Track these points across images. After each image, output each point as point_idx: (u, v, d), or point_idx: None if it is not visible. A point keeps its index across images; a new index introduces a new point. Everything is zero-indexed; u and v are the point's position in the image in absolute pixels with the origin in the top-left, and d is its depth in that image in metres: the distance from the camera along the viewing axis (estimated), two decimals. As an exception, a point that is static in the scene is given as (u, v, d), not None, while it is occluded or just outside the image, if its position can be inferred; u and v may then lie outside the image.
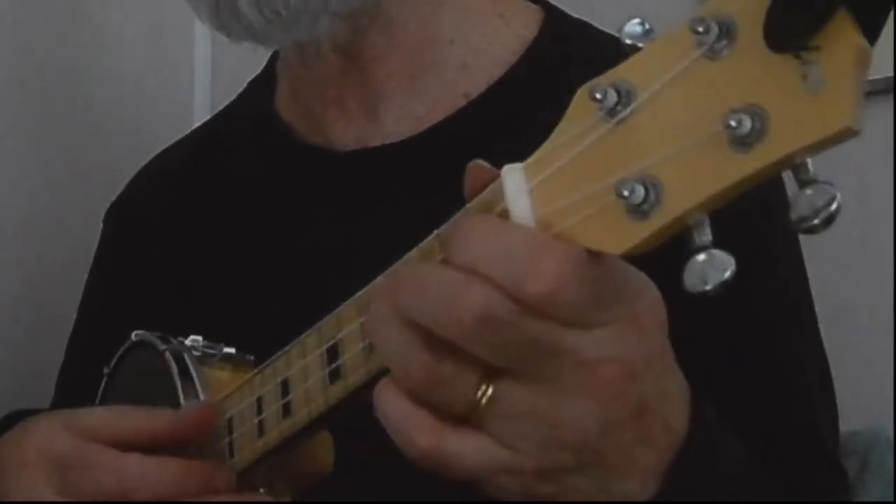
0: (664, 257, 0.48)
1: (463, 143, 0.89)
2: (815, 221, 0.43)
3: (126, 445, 0.76)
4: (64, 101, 1.34)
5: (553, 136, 0.50)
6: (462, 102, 0.92)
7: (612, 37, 0.95)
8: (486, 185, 0.54)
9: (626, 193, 0.45)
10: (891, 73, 1.32)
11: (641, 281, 0.53)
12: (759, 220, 0.83)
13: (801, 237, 0.89)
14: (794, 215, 0.43)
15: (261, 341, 0.86)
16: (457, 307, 0.50)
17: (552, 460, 0.53)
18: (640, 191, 0.45)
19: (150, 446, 0.76)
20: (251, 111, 1.04)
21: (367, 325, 0.57)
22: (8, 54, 1.28)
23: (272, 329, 0.89)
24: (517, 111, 0.91)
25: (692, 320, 0.76)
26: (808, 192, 0.42)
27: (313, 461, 0.77)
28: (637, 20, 0.48)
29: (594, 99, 0.47)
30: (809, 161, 0.43)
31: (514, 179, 0.50)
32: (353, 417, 0.67)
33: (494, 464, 0.54)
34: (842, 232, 1.45)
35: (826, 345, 0.89)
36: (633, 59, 0.47)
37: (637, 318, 0.52)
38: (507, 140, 0.92)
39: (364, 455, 0.77)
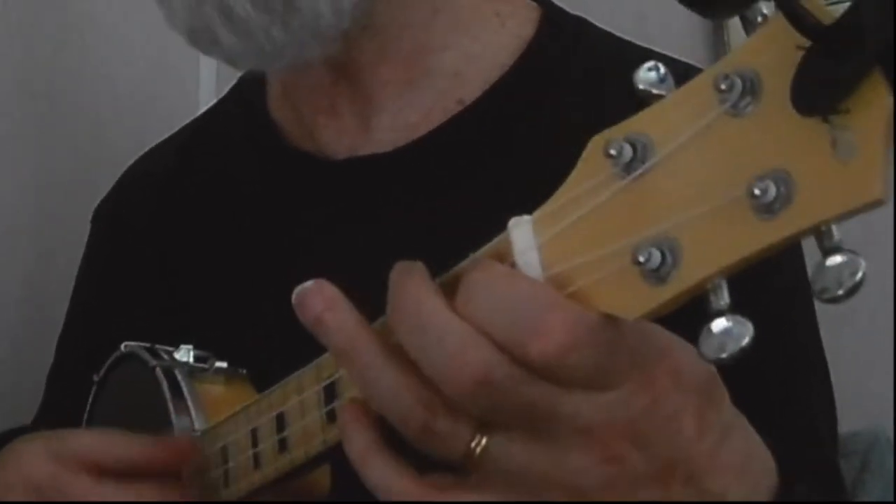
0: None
1: (457, 150, 0.87)
2: (840, 293, 0.40)
3: (106, 471, 0.75)
4: (69, 103, 1.32)
5: (564, 187, 0.47)
6: (456, 109, 0.88)
7: (611, 35, 0.93)
8: None
9: (642, 259, 0.42)
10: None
11: (668, 342, 0.50)
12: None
13: (805, 243, 0.87)
14: (816, 286, 0.40)
15: (248, 347, 0.85)
16: (456, 366, 0.48)
17: None
18: (658, 256, 0.42)
19: (131, 473, 0.75)
20: (242, 110, 1.00)
21: (353, 367, 0.53)
22: (13, 57, 1.26)
23: (259, 335, 0.88)
24: (513, 116, 0.87)
25: (691, 321, 0.74)
26: (833, 262, 0.40)
27: (311, 485, 0.75)
28: (650, 65, 0.45)
29: (608, 155, 0.44)
30: (834, 227, 0.40)
31: (522, 233, 0.48)
32: None
33: None
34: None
35: (827, 347, 0.87)
36: (651, 111, 0.44)
37: (653, 380, 0.49)
38: (501, 146, 0.90)
39: (361, 481, 0.76)
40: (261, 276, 0.92)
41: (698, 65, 0.98)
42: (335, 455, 0.64)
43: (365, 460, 0.54)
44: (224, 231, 0.96)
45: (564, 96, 0.87)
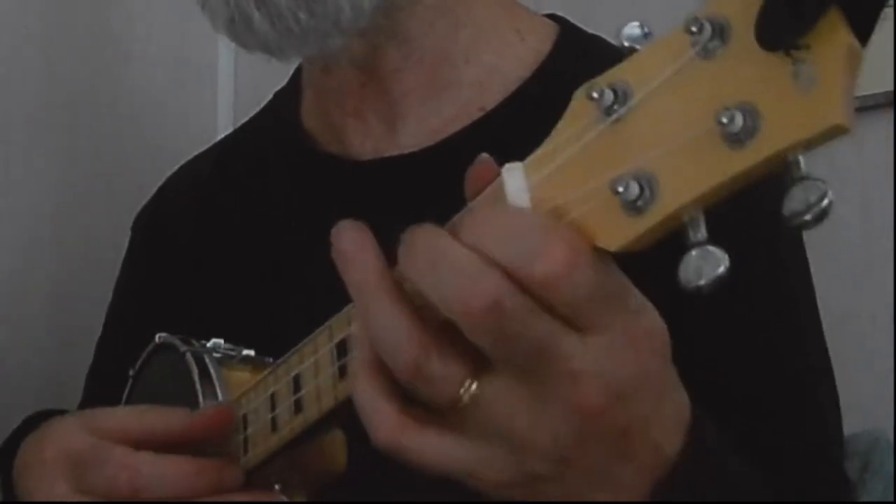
0: (669, 264, 0.47)
1: (478, 152, 0.89)
2: (807, 217, 0.41)
3: (141, 444, 0.76)
4: (90, 114, 1.35)
5: (552, 135, 0.49)
6: (478, 115, 0.91)
7: (623, 51, 0.95)
8: (484, 175, 0.53)
9: (620, 190, 0.44)
10: (891, 87, 1.31)
11: (643, 301, 0.51)
12: (767, 227, 0.82)
13: (807, 246, 0.89)
14: (785, 211, 0.42)
15: (280, 345, 0.86)
16: (468, 293, 0.48)
17: (522, 467, 0.52)
18: (635, 187, 0.44)
19: (165, 445, 0.76)
20: (275, 121, 1.04)
21: (357, 294, 0.54)
22: (36, 70, 1.29)
23: (291, 334, 0.89)
24: (531, 123, 0.89)
25: (697, 323, 0.75)
26: (800, 187, 0.41)
27: (326, 459, 0.76)
28: (636, 23, 0.47)
29: (591, 98, 0.46)
30: (802, 158, 0.42)
31: (514, 178, 0.50)
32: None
33: (457, 464, 0.52)
34: (844, 240, 1.44)
35: (829, 349, 0.88)
36: (630, 60, 0.47)
37: (634, 336, 0.50)
38: (521, 151, 0.92)
39: (376, 453, 0.77)
40: (291, 275, 0.94)
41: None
42: (345, 412, 0.64)
43: (358, 375, 0.54)
44: (256, 234, 0.98)
45: None
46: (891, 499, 1.18)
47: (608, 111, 0.46)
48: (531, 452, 0.51)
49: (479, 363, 0.51)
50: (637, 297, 0.51)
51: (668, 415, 0.54)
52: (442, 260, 0.50)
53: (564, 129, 0.48)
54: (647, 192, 0.44)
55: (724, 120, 0.41)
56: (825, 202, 0.41)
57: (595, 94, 0.46)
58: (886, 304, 1.36)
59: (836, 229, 1.34)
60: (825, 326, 0.88)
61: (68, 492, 0.76)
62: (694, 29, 0.43)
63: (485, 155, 0.55)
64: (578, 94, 0.48)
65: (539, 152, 0.50)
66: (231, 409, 0.77)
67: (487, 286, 0.48)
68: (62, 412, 0.94)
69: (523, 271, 0.47)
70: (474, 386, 0.50)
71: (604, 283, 0.48)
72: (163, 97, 1.42)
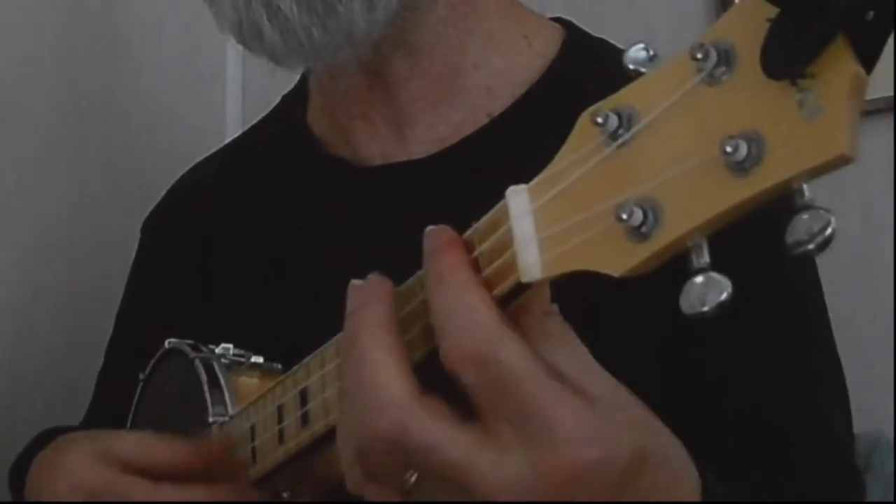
0: (671, 281, 0.46)
1: (486, 158, 0.88)
2: (811, 246, 0.41)
3: (155, 474, 0.76)
4: (101, 119, 1.34)
5: (556, 158, 0.48)
6: (485, 121, 0.90)
7: None
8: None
9: (624, 217, 0.43)
10: (891, 93, 1.31)
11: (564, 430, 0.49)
12: (775, 235, 0.81)
13: None
14: (789, 239, 0.41)
15: (288, 348, 0.86)
16: (374, 423, 0.51)
17: None
18: (639, 214, 0.43)
19: (175, 475, 0.76)
20: (283, 125, 1.03)
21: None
22: (48, 76, 1.28)
23: (299, 337, 0.89)
24: (538, 127, 0.89)
25: (707, 341, 0.74)
26: (804, 216, 0.40)
27: (334, 468, 0.74)
28: (641, 45, 0.46)
29: (596, 123, 0.45)
30: (806, 187, 0.41)
31: (518, 201, 0.49)
32: None
33: None
34: (845, 244, 1.43)
35: None
36: (635, 85, 0.46)
37: (557, 466, 0.48)
38: (528, 155, 0.91)
39: None
40: (298, 278, 0.94)
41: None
42: None
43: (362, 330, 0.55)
44: (265, 237, 0.97)
45: (585, 108, 0.89)
46: (891, 499, 1.18)
47: (613, 136, 0.45)
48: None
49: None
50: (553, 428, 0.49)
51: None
52: (366, 382, 0.53)
53: (569, 153, 0.48)
54: (650, 219, 0.43)
55: (729, 149, 0.40)
56: (829, 231, 0.40)
57: (600, 119, 0.45)
58: (886, 305, 1.35)
59: (836, 231, 1.33)
60: None
61: None
62: (699, 56, 0.42)
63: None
64: (583, 118, 0.47)
65: (543, 175, 0.49)
66: (226, 443, 0.78)
67: (386, 419, 0.51)
68: (70, 429, 0.95)
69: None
70: (413, 478, 0.52)
71: (497, 393, 0.49)
72: (172, 102, 1.42)
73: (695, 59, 0.42)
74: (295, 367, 0.71)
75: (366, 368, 0.52)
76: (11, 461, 0.96)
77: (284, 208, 0.97)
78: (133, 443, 0.79)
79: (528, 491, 0.48)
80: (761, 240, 0.74)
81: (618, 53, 0.94)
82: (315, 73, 0.99)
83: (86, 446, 0.79)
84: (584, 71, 0.91)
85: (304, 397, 0.69)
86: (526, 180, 0.88)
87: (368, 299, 0.56)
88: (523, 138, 0.88)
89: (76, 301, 1.28)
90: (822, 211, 0.40)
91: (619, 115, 0.45)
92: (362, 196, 0.92)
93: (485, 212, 0.85)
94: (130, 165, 1.35)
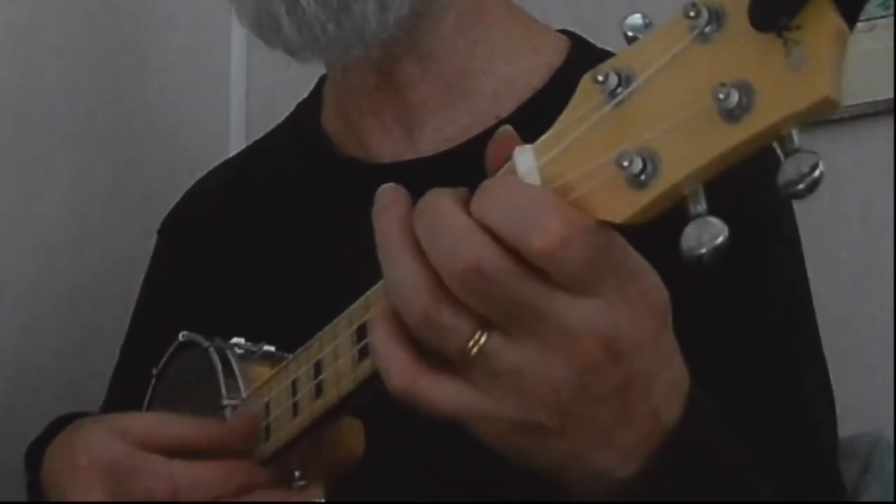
0: (672, 256, 0.49)
1: None
2: (800, 186, 0.44)
3: (171, 451, 0.78)
4: (106, 122, 1.37)
5: (560, 118, 0.53)
6: (493, 122, 0.95)
7: None
8: (503, 151, 0.56)
9: (625, 164, 0.47)
10: (891, 95, 1.34)
11: (642, 265, 0.54)
12: (765, 228, 0.85)
13: (808, 250, 0.91)
14: (780, 180, 0.45)
15: (301, 345, 0.89)
16: (453, 254, 0.52)
17: (527, 416, 0.54)
18: (639, 162, 0.47)
19: (193, 452, 0.79)
20: (297, 128, 1.08)
21: (381, 251, 0.57)
22: (54, 80, 1.31)
23: (312, 333, 0.92)
24: (543, 130, 0.94)
25: (695, 321, 0.78)
26: (793, 159, 0.44)
27: (345, 447, 0.79)
28: (639, 15, 0.51)
29: (597, 81, 0.50)
30: (795, 133, 0.45)
31: (525, 159, 0.53)
32: (381, 406, 0.67)
33: (466, 411, 0.55)
34: (846, 245, 1.46)
35: (829, 352, 0.90)
36: (633, 47, 0.50)
37: (629, 298, 0.52)
38: None
39: (393, 442, 0.79)
40: (312, 276, 0.98)
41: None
42: (362, 395, 0.68)
43: (376, 324, 0.56)
44: (278, 236, 1.02)
45: None
46: (891, 499, 1.20)
47: (612, 94, 0.49)
48: (534, 404, 0.53)
49: (486, 320, 0.53)
50: (635, 263, 0.53)
51: (666, 381, 0.56)
52: (438, 221, 0.53)
53: (572, 113, 0.52)
54: (649, 167, 0.47)
55: (721, 96, 0.44)
56: (817, 172, 0.44)
57: (601, 78, 0.49)
58: (886, 306, 1.37)
59: (836, 232, 1.37)
60: (825, 329, 0.90)
61: (104, 498, 0.78)
62: (692, 14, 0.46)
63: (507, 127, 0.57)
64: (585, 79, 0.52)
65: (548, 134, 0.53)
66: (253, 418, 0.80)
67: (470, 249, 0.51)
68: (85, 415, 0.96)
69: (521, 244, 0.50)
70: (483, 339, 0.53)
71: (598, 255, 0.51)
72: (177, 106, 1.45)
73: (688, 16, 0.46)
74: (307, 343, 0.74)
75: (436, 215, 0.54)
76: (18, 461, 0.99)
77: (298, 208, 1.02)
78: (152, 420, 0.83)
79: (608, 321, 0.52)
80: (750, 238, 0.78)
81: None
82: (329, 75, 1.04)
83: (105, 424, 0.82)
84: None
85: (318, 369, 0.72)
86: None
87: (395, 194, 0.58)
88: (529, 138, 0.93)
89: (81, 302, 1.31)
90: (810, 153, 0.45)
91: (618, 74, 0.49)
92: (373, 194, 0.97)
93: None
94: (135, 167, 1.38)
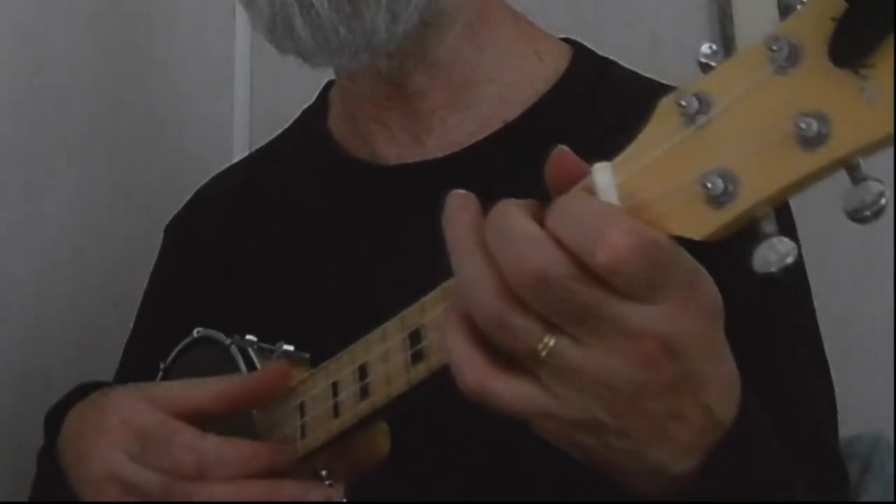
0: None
1: (500, 159, 0.98)
2: (867, 213, 0.50)
3: (204, 412, 0.82)
4: (110, 124, 1.38)
5: (638, 139, 0.57)
6: (499, 126, 1.00)
7: (633, 72, 1.04)
8: (570, 173, 0.60)
9: (708, 185, 0.52)
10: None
11: (697, 272, 0.58)
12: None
13: (808, 250, 0.96)
14: (848, 207, 0.50)
15: (309, 344, 0.90)
16: (521, 260, 0.56)
17: (589, 414, 0.58)
18: (720, 183, 0.52)
19: (227, 409, 0.82)
20: (304, 132, 1.11)
21: (453, 254, 0.60)
22: (58, 81, 1.32)
23: (323, 333, 0.94)
24: (548, 133, 0.97)
25: None
26: (862, 187, 0.50)
27: (370, 448, 0.82)
28: (707, 44, 0.56)
29: (679, 105, 0.54)
30: (861, 161, 0.50)
31: (603, 176, 0.57)
32: (408, 408, 0.73)
33: (535, 409, 0.58)
34: (845, 245, 1.50)
35: (830, 352, 0.94)
36: (712, 74, 0.54)
37: (686, 303, 0.57)
38: (539, 158, 1.00)
39: (418, 444, 0.83)
40: (320, 276, 1.01)
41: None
42: (413, 397, 0.71)
43: (449, 325, 0.60)
44: (286, 237, 1.05)
45: (591, 118, 0.99)
46: (891, 499, 1.24)
47: (692, 118, 0.54)
48: (597, 402, 0.57)
49: (553, 323, 0.57)
50: (692, 269, 0.58)
51: (719, 379, 0.60)
52: (507, 227, 0.57)
53: (650, 133, 0.56)
54: (729, 188, 0.52)
55: (803, 125, 0.49)
56: (883, 200, 0.49)
57: (683, 102, 0.54)
58: (886, 306, 1.42)
59: (836, 232, 1.42)
60: (826, 329, 0.94)
61: (126, 460, 0.81)
62: (774, 47, 0.51)
63: (562, 147, 0.62)
64: (664, 103, 0.56)
65: (626, 153, 0.57)
66: (285, 366, 0.83)
67: (537, 256, 0.55)
68: (107, 384, 0.99)
69: (586, 256, 0.55)
70: (553, 341, 0.57)
71: (660, 267, 0.55)
72: (181, 108, 1.46)
73: (770, 49, 0.51)
74: (348, 348, 0.77)
75: (506, 221, 0.57)
76: (24, 461, 1.01)
77: (305, 210, 1.05)
78: (179, 387, 0.85)
79: (667, 324, 0.56)
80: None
81: (623, 71, 1.05)
82: (337, 81, 1.08)
83: (134, 391, 0.85)
84: (591, 84, 1.02)
85: (363, 371, 0.75)
86: (537, 180, 0.97)
87: (466, 199, 0.62)
88: (535, 142, 0.97)
89: (85, 303, 1.32)
90: (877, 183, 0.50)
91: (698, 99, 0.54)
92: (381, 195, 1.01)
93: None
94: (139, 169, 1.39)
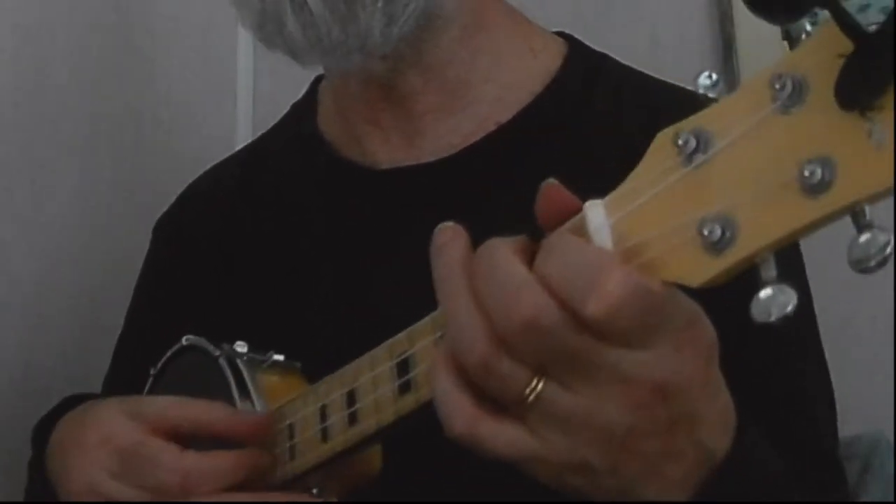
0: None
1: (494, 162, 0.95)
2: (872, 264, 0.46)
3: (184, 435, 0.80)
4: (114, 124, 1.37)
5: (632, 175, 0.53)
6: (493, 128, 0.97)
7: (629, 68, 1.01)
8: (561, 208, 0.57)
9: (706, 233, 0.49)
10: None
11: (692, 313, 0.56)
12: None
13: (808, 250, 0.93)
14: (851, 257, 0.46)
15: (304, 346, 0.90)
16: (511, 307, 0.53)
17: (578, 457, 0.56)
18: (718, 230, 0.48)
19: (206, 437, 0.80)
20: (293, 130, 1.08)
21: (440, 292, 0.57)
22: (62, 82, 1.31)
23: (312, 333, 0.93)
24: (543, 134, 0.95)
25: None
26: (866, 236, 0.46)
27: (362, 464, 0.81)
28: (706, 73, 0.52)
29: (676, 144, 0.51)
30: (867, 207, 0.46)
31: (596, 215, 0.54)
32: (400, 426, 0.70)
33: (524, 453, 0.56)
34: (845, 243, 1.48)
35: (829, 352, 0.92)
36: (712, 110, 0.51)
37: (681, 346, 0.55)
38: (533, 159, 0.98)
39: (410, 461, 0.81)
40: (313, 278, 0.98)
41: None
42: (405, 426, 0.69)
43: (437, 368, 0.57)
44: (278, 238, 1.02)
45: (587, 117, 0.96)
46: (891, 499, 1.22)
47: (690, 157, 0.50)
48: (587, 446, 0.55)
49: (542, 368, 0.55)
50: (687, 310, 0.55)
51: (713, 415, 0.58)
52: (496, 270, 0.54)
53: (645, 171, 0.53)
54: (728, 234, 0.48)
55: (806, 173, 0.46)
56: (888, 250, 0.46)
57: (680, 141, 0.50)
58: (886, 306, 1.39)
59: (836, 232, 1.39)
60: (826, 329, 0.92)
61: (107, 477, 0.80)
62: (777, 86, 0.47)
63: (552, 180, 0.59)
64: (661, 138, 0.52)
65: (620, 190, 0.54)
66: (272, 420, 0.81)
67: (527, 303, 0.53)
68: (95, 397, 0.97)
69: (576, 305, 0.52)
70: (540, 385, 0.54)
71: (653, 314, 0.53)
72: (184, 108, 1.45)
73: (773, 88, 0.47)
74: (338, 372, 0.75)
75: (494, 264, 0.55)
76: (27, 461, 0.99)
77: (299, 210, 1.02)
78: (164, 401, 0.84)
79: (660, 369, 0.54)
80: None
81: (619, 67, 1.02)
82: (327, 79, 1.05)
83: (117, 406, 0.83)
84: (586, 83, 0.98)
85: (352, 398, 0.73)
86: (530, 183, 0.94)
87: (454, 232, 0.59)
88: (529, 144, 0.95)
89: (89, 303, 1.31)
90: (882, 231, 0.46)
91: (697, 137, 0.50)
92: (375, 198, 0.98)
93: (491, 214, 0.91)
94: (142, 169, 1.38)
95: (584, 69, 0.99)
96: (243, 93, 1.48)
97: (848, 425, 0.94)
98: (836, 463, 0.89)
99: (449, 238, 0.58)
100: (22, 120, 1.26)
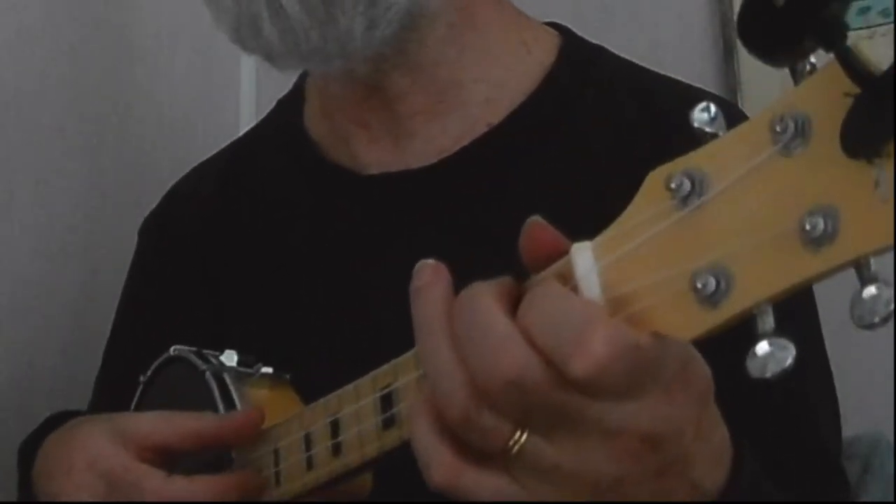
0: None
1: (485, 167, 0.91)
2: (876, 320, 0.42)
3: (172, 449, 0.78)
4: (116, 126, 1.36)
5: (623, 216, 0.50)
6: (484, 131, 0.92)
7: (626, 61, 0.97)
8: (547, 249, 0.53)
9: (699, 284, 0.45)
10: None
11: (684, 355, 0.53)
12: None
13: None
14: (854, 314, 0.42)
15: (292, 351, 0.89)
16: (493, 363, 0.50)
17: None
18: (713, 282, 0.45)
19: (196, 448, 0.78)
20: (279, 128, 1.04)
21: (419, 337, 0.54)
22: (65, 84, 1.29)
23: (300, 341, 0.91)
24: (535, 136, 0.91)
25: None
26: (869, 292, 0.42)
27: (353, 484, 0.77)
28: (702, 105, 0.48)
29: (668, 188, 0.47)
30: (871, 259, 0.43)
31: (583, 258, 0.50)
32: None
33: (512, 500, 0.54)
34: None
35: (830, 352, 0.90)
36: (708, 149, 0.47)
37: (673, 394, 0.52)
38: (524, 163, 0.94)
39: (401, 482, 0.78)
40: (298, 284, 0.95)
41: (707, 88, 1.02)
42: (391, 460, 0.66)
43: (416, 417, 0.55)
44: (265, 240, 0.99)
45: (581, 117, 0.92)
46: (891, 499, 1.20)
47: (685, 201, 0.47)
48: (574, 496, 0.53)
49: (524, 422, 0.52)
50: (682, 359, 0.52)
51: (709, 451, 0.56)
52: (478, 323, 0.51)
53: (636, 213, 0.49)
54: (722, 287, 0.45)
55: (808, 226, 0.42)
56: (892, 306, 0.42)
57: (673, 185, 0.46)
58: None
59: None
60: (826, 329, 0.90)
61: (93, 501, 0.78)
62: (778, 129, 0.43)
63: (537, 217, 0.55)
64: (653, 179, 0.49)
65: (609, 233, 0.50)
66: (260, 414, 0.79)
67: (510, 361, 0.49)
68: (78, 413, 0.95)
69: (560, 363, 0.49)
70: (523, 438, 0.52)
71: (641, 371, 0.50)
72: (187, 111, 1.43)
73: (773, 130, 0.43)
74: (324, 398, 0.72)
75: (476, 316, 0.51)
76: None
77: (284, 212, 0.99)
78: (150, 418, 0.81)
79: (649, 419, 0.51)
80: None
81: (616, 60, 0.97)
82: (312, 77, 1.01)
83: (102, 426, 0.80)
84: (580, 79, 0.94)
85: (335, 428, 0.70)
86: (522, 188, 0.90)
87: (435, 274, 0.55)
88: (520, 147, 0.91)
89: (92, 303, 1.29)
90: (887, 287, 0.42)
91: (691, 179, 0.46)
92: (363, 204, 0.94)
93: (481, 221, 0.87)
94: (145, 171, 1.37)
95: (579, 64, 0.95)
96: (246, 95, 1.47)
97: (848, 425, 0.91)
98: (838, 470, 0.87)
99: (428, 280, 0.55)
100: (25, 121, 1.24)
